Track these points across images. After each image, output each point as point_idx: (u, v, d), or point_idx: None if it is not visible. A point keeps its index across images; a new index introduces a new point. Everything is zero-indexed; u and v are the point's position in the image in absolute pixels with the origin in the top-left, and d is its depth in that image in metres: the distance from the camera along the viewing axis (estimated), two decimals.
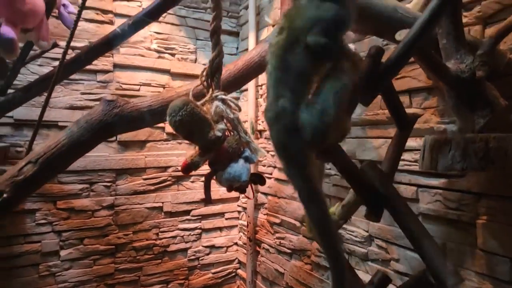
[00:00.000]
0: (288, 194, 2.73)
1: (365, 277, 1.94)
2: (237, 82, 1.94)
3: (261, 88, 3.11)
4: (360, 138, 2.06)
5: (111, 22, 2.90)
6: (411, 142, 1.68)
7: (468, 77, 1.21)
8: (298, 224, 2.63)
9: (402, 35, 1.15)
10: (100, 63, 2.84)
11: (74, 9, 2.07)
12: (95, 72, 2.84)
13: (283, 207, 2.80)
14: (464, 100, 1.25)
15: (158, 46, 3.09)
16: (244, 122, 3.34)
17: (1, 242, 2.54)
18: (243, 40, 3.39)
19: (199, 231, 3.30)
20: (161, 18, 3.10)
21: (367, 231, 2.03)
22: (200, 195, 3.26)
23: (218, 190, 3.13)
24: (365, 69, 1.01)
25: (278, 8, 2.90)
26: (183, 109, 1.23)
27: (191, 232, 3.26)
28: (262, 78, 3.01)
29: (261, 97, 3.12)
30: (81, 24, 2.77)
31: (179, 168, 1.94)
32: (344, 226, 2.11)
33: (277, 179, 2.88)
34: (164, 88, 3.14)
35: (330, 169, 2.28)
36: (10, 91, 2.16)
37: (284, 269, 2.77)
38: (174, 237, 3.18)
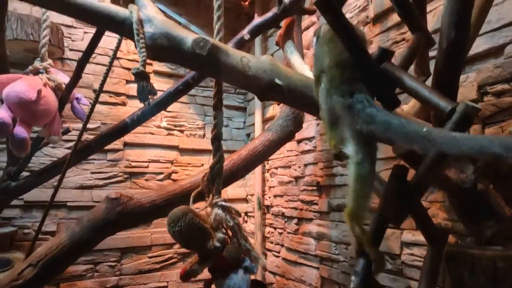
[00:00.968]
0: (297, 277, 2.63)
1: None
2: (241, 172, 1.96)
3: (267, 163, 3.12)
4: None
5: (123, 104, 3.03)
6: (421, 237, 1.63)
7: (469, 188, 1.19)
8: None
9: None
10: None
11: (86, 101, 2.17)
12: (106, 151, 2.92)
13: None
14: (467, 209, 1.22)
15: (168, 124, 3.19)
16: (251, 196, 3.37)
17: None
18: (250, 115, 3.48)
19: None
20: None
21: None
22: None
23: None
24: (391, 188, 1.00)
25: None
26: (182, 220, 1.23)
27: None
28: None
29: (267, 172, 3.12)
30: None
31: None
32: None
33: (284, 259, 2.79)
34: (172, 163, 3.19)
35: (338, 254, 2.20)
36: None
37: None
38: None
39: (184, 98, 3.30)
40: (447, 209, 1.61)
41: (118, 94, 3.02)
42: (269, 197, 3.04)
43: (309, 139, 2.51)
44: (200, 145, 3.31)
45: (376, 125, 0.84)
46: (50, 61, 1.93)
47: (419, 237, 1.63)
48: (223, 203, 1.34)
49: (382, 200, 1.01)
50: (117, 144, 2.97)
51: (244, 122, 3.59)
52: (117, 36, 1.96)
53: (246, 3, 2.91)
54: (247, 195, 3.46)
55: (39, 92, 1.71)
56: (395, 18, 1.86)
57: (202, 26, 3.35)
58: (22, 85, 1.71)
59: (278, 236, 2.89)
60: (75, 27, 2.89)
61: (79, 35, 2.89)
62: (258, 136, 2.05)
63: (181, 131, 3.26)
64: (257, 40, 3.24)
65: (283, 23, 2.02)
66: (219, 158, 1.40)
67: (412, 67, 1.39)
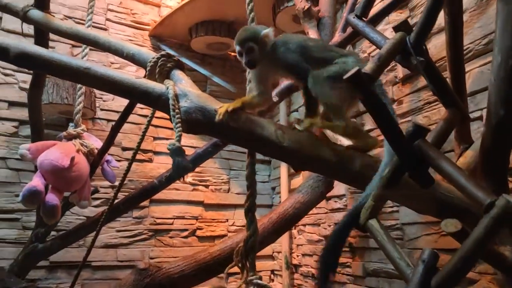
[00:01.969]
0: None
1: None
2: (272, 237, 1.90)
3: None
4: None
5: (150, 160, 3.06)
6: None
7: None
8: None
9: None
10: None
11: (116, 163, 2.19)
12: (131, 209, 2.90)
13: None
14: None
15: (193, 179, 3.18)
16: (277, 253, 3.24)
17: None
18: (275, 168, 3.44)
19: None
20: None
21: None
22: None
23: None
24: (418, 278, 0.92)
25: None
26: None
27: None
28: None
29: (295, 229, 3.02)
30: (122, 164, 2.92)
31: None
32: None
33: None
34: (197, 220, 3.14)
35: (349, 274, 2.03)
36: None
37: None
38: None
39: None
40: (500, 283, 1.47)
41: (145, 151, 3.06)
42: (297, 256, 2.91)
43: (339, 196, 2.43)
44: (225, 200, 3.26)
45: None
46: (83, 126, 1.99)
47: None
48: (259, 281, 1.27)
49: None
50: None
51: (269, 176, 3.54)
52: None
53: None
54: (273, 252, 3.33)
55: (72, 159, 1.73)
56: None
57: (228, 83, 3.43)
58: (55, 153, 1.75)
59: None
60: None
61: (110, 96, 2.99)
62: (288, 198, 1.99)
63: (206, 186, 3.24)
64: None
65: None
66: (253, 231, 1.34)
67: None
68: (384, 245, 0.97)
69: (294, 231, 3.02)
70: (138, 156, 3.02)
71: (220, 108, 1.19)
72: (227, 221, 3.27)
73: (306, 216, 2.80)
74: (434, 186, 1.19)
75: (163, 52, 1.40)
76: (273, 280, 3.28)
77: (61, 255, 2.58)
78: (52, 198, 1.70)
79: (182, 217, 3.09)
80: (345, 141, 1.63)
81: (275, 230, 1.86)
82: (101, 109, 2.94)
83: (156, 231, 2.98)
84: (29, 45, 1.31)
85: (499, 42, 0.89)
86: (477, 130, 1.50)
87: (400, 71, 2.00)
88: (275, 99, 1.95)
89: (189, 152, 3.19)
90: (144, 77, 1.41)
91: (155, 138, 3.11)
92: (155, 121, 3.12)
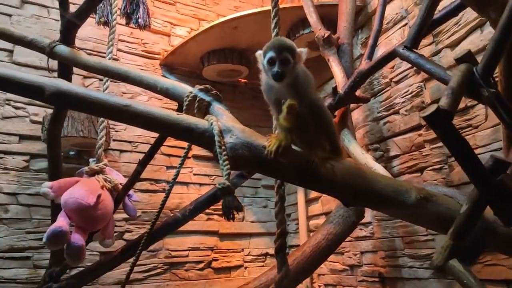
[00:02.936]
0: None
1: None
2: (306, 271, 1.82)
3: None
4: None
5: (164, 191, 2.97)
6: None
7: None
8: None
9: None
10: None
11: (137, 197, 2.12)
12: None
13: None
14: None
15: (209, 209, 3.09)
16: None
17: None
18: (288, 194, 3.37)
19: None
20: (211, 182, 3.19)
21: None
22: None
23: None
24: None
25: None
26: None
27: None
28: None
29: None
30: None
31: None
32: None
33: None
34: (212, 250, 3.04)
35: None
36: None
37: None
38: None
39: None
40: None
41: (158, 181, 2.98)
42: (319, 286, 2.81)
43: (365, 224, 2.37)
44: (240, 229, 3.18)
45: None
46: (105, 161, 1.92)
47: None
48: None
49: None
50: None
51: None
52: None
53: None
54: None
55: (98, 196, 1.66)
56: None
57: (237, 109, 3.41)
58: (80, 190, 1.68)
59: None
60: None
61: (122, 125, 2.94)
62: (319, 230, 1.93)
63: (221, 215, 3.14)
64: None
65: (337, 113, 2.01)
66: (285, 273, 1.27)
67: None
68: None
69: None
70: (151, 187, 2.97)
71: (269, 144, 1.14)
72: (243, 250, 3.17)
73: None
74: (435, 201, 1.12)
75: (200, 86, 1.37)
76: None
77: None
78: (77, 238, 1.62)
79: (197, 248, 2.99)
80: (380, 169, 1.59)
81: (310, 265, 1.78)
82: (114, 140, 2.88)
83: (171, 264, 2.88)
84: (64, 83, 1.26)
85: None
86: None
87: (428, 96, 1.99)
88: None
89: (204, 180, 3.17)
90: (177, 110, 1.37)
91: (168, 168, 3.05)
92: (167, 150, 3.09)
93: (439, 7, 1.41)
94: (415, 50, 1.27)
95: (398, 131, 2.18)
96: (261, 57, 1.16)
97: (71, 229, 1.72)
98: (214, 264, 3.03)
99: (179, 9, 3.46)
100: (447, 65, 1.86)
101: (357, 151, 1.83)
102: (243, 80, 3.50)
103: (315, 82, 1.27)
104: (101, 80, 2.82)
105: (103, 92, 2.05)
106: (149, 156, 1.79)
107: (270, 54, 1.12)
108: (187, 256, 2.94)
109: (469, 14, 1.78)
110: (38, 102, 2.62)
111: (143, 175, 2.89)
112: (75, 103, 1.26)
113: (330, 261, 2.71)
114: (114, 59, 3.01)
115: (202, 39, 2.88)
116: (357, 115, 2.53)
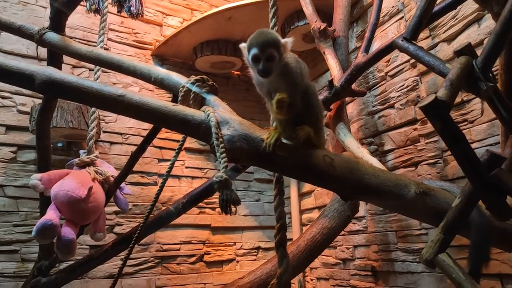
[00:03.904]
0: None
1: None
2: (302, 265, 1.81)
3: None
4: None
5: (155, 183, 2.93)
6: None
7: None
8: None
9: None
10: None
11: (129, 190, 2.08)
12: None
13: None
14: None
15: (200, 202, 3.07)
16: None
17: None
18: (284, 187, 3.35)
19: None
20: (203, 175, 3.16)
21: None
22: None
23: None
24: None
25: None
26: None
27: None
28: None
29: None
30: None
31: None
32: None
33: None
34: (204, 244, 3.01)
35: None
36: None
37: None
38: None
39: None
40: None
41: (149, 174, 2.94)
42: (312, 280, 2.82)
43: (359, 218, 2.37)
44: (232, 223, 3.16)
45: None
46: (97, 152, 1.87)
47: None
48: None
49: None
50: None
51: None
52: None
53: None
54: None
55: (90, 189, 1.62)
56: None
57: (230, 101, 3.37)
58: (71, 182, 1.63)
59: None
60: None
61: (113, 116, 2.88)
62: (314, 224, 1.92)
63: (213, 209, 3.13)
64: None
65: (333, 106, 1.99)
66: (286, 267, 1.25)
67: None
68: (461, 283, 0.91)
69: None
70: (142, 180, 2.92)
71: (267, 137, 1.12)
72: (235, 244, 3.16)
73: None
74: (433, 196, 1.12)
75: (197, 77, 1.33)
76: None
77: None
78: (68, 232, 1.58)
79: (189, 242, 2.96)
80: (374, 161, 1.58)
81: (304, 258, 1.77)
82: (104, 131, 2.82)
83: (162, 258, 2.84)
84: (56, 72, 1.22)
85: None
86: None
87: (424, 91, 1.99)
88: None
89: (196, 174, 3.14)
90: (171, 101, 1.34)
91: (159, 160, 3.00)
92: (159, 143, 3.04)
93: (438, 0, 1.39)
94: (414, 42, 1.26)
95: (393, 125, 2.18)
96: (245, 50, 1.12)
97: (61, 222, 1.68)
98: (206, 257, 3.01)
99: None
100: (444, 59, 1.85)
101: (353, 145, 1.82)
102: (236, 72, 3.46)
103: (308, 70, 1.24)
104: (91, 70, 2.76)
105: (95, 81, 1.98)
106: (141, 148, 1.74)
107: (254, 51, 1.08)
108: (178, 249, 2.91)
109: (466, 8, 1.77)
110: (25, 92, 2.55)
111: (134, 168, 2.85)
112: (67, 92, 1.22)
113: (323, 255, 2.71)
114: (105, 48, 2.94)
115: (195, 29, 2.83)
116: (351, 109, 2.52)
